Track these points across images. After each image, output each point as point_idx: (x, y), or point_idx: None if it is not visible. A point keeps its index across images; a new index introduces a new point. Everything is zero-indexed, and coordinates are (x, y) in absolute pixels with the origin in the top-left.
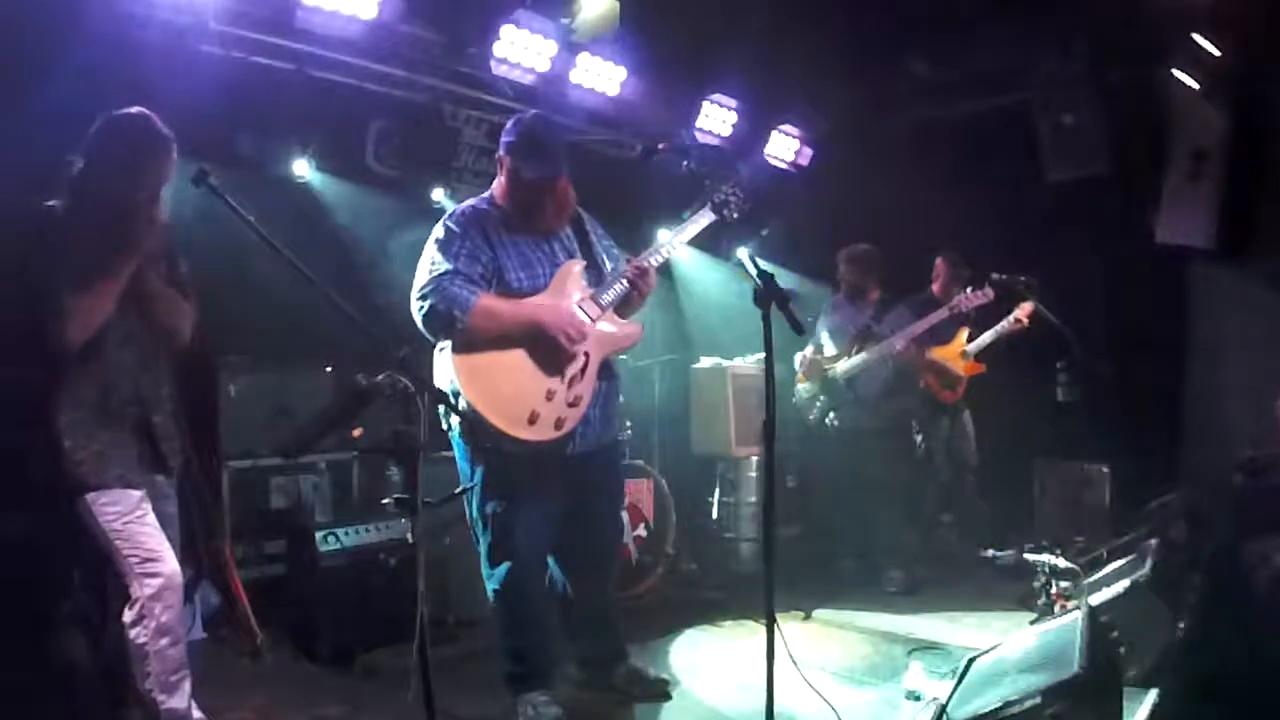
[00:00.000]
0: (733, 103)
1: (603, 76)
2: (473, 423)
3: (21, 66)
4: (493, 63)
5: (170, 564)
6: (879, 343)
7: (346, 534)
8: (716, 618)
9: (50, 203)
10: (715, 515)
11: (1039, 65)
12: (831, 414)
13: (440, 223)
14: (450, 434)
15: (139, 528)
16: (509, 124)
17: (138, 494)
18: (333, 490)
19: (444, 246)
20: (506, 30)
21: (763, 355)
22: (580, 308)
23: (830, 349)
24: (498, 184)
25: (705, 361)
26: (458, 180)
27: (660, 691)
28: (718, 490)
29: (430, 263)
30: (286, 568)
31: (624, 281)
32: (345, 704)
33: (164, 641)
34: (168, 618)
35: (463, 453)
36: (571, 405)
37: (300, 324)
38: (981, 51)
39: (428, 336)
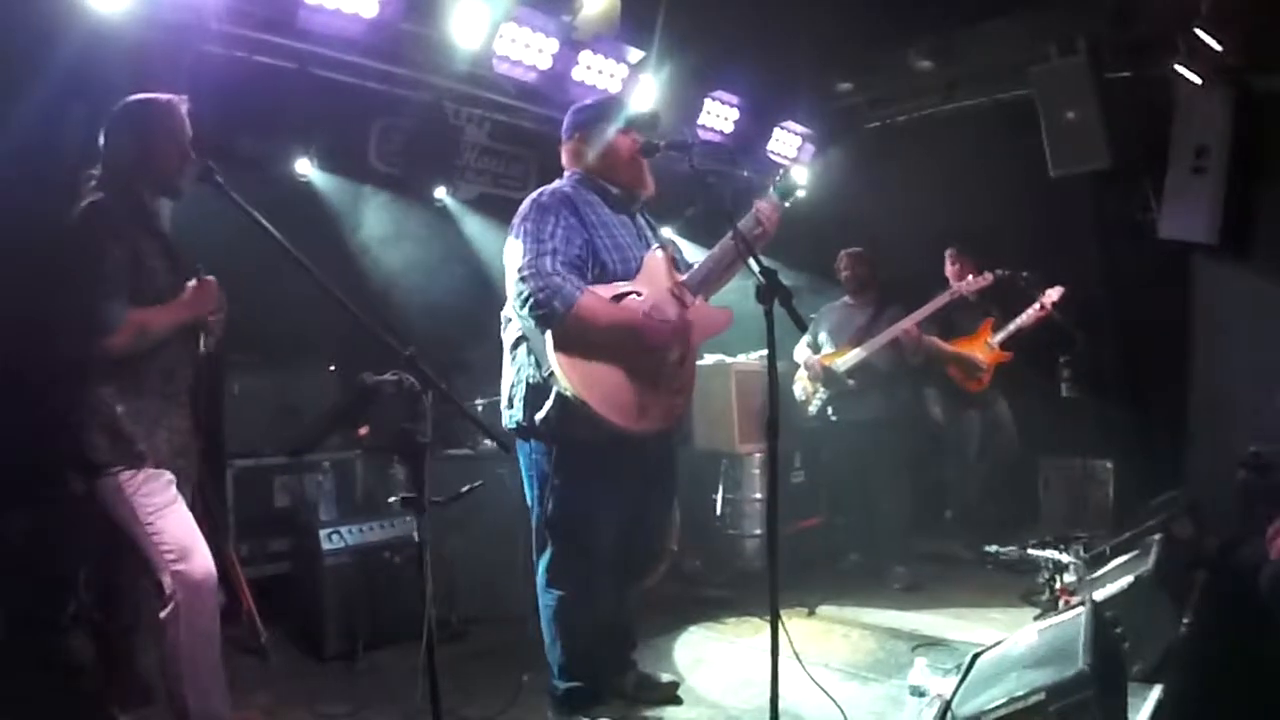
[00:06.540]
0: (735, 100)
1: (604, 74)
2: (578, 414)
3: (22, 66)
4: (494, 61)
5: (205, 561)
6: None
7: (351, 532)
8: (720, 615)
9: (91, 199)
10: (719, 512)
11: (1041, 61)
12: (831, 408)
13: (529, 200)
14: (528, 424)
15: (174, 521)
16: (587, 105)
17: (170, 477)
18: (337, 489)
19: (539, 224)
20: (508, 28)
21: (766, 352)
22: (673, 294)
23: (829, 348)
24: (589, 163)
25: (708, 358)
26: (460, 179)
27: (670, 696)
28: (721, 487)
29: (525, 241)
30: (291, 566)
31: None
32: (350, 703)
33: (199, 643)
34: (203, 618)
35: (537, 446)
36: (677, 392)
37: (305, 322)
38: (983, 47)
39: (528, 323)
